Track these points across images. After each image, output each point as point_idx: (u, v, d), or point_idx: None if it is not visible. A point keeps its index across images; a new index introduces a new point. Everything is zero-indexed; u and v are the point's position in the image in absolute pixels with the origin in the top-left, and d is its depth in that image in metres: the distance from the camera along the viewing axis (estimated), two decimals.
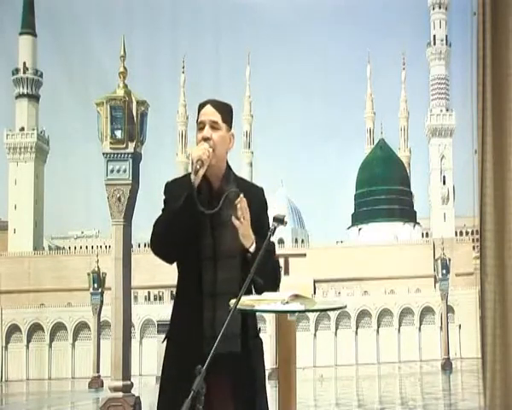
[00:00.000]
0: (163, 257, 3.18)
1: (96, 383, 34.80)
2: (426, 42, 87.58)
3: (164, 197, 3.27)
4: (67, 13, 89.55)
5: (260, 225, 3.17)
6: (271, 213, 3.12)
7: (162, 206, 3.25)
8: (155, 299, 63.34)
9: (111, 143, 12.58)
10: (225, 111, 3.25)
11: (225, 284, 3.12)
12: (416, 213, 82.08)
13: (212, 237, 3.16)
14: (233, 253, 3.13)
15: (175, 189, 3.19)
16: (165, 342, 3.25)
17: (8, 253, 72.78)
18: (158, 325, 41.82)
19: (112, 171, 12.62)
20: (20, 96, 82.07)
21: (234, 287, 3.04)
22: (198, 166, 3.08)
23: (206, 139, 3.16)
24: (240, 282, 2.99)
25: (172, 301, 3.33)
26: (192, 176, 3.08)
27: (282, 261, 56.34)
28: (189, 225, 3.09)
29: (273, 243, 3.10)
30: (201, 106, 3.25)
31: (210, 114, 3.20)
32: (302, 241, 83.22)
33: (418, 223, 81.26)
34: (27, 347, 56.83)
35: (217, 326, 3.05)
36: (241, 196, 3.07)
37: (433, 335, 54.31)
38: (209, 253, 3.15)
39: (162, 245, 3.16)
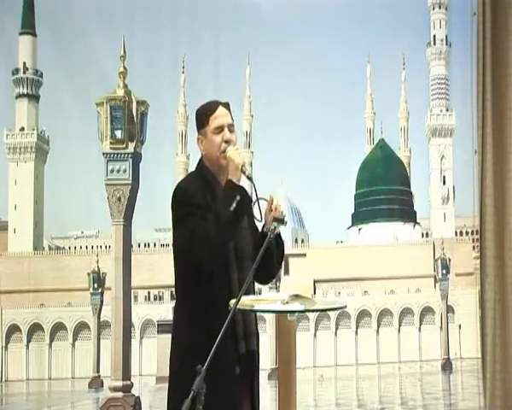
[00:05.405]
0: (207, 258, 2.96)
1: (95, 383, 34.81)
2: (426, 42, 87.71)
3: (178, 204, 3.07)
4: (67, 13, 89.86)
5: (253, 220, 3.22)
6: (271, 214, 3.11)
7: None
8: (155, 299, 63.36)
9: (111, 143, 12.58)
10: (230, 112, 3.21)
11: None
12: (415, 213, 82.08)
13: (236, 239, 3.10)
14: (250, 254, 3.12)
15: (195, 195, 3.06)
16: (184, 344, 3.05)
17: (8, 253, 72.80)
18: (158, 325, 41.84)
19: (112, 171, 12.62)
20: (20, 96, 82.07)
21: (252, 289, 3.18)
22: (247, 170, 3.02)
23: (228, 141, 3.10)
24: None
25: (173, 302, 3.28)
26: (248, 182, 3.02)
27: None
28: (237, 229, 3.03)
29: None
30: (211, 107, 3.16)
31: (226, 116, 3.15)
32: (302, 241, 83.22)
33: (418, 223, 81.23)
34: (27, 347, 56.83)
35: (247, 325, 3.10)
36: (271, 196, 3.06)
37: (433, 335, 54.33)
38: (233, 255, 3.10)
39: (211, 249, 2.96)
